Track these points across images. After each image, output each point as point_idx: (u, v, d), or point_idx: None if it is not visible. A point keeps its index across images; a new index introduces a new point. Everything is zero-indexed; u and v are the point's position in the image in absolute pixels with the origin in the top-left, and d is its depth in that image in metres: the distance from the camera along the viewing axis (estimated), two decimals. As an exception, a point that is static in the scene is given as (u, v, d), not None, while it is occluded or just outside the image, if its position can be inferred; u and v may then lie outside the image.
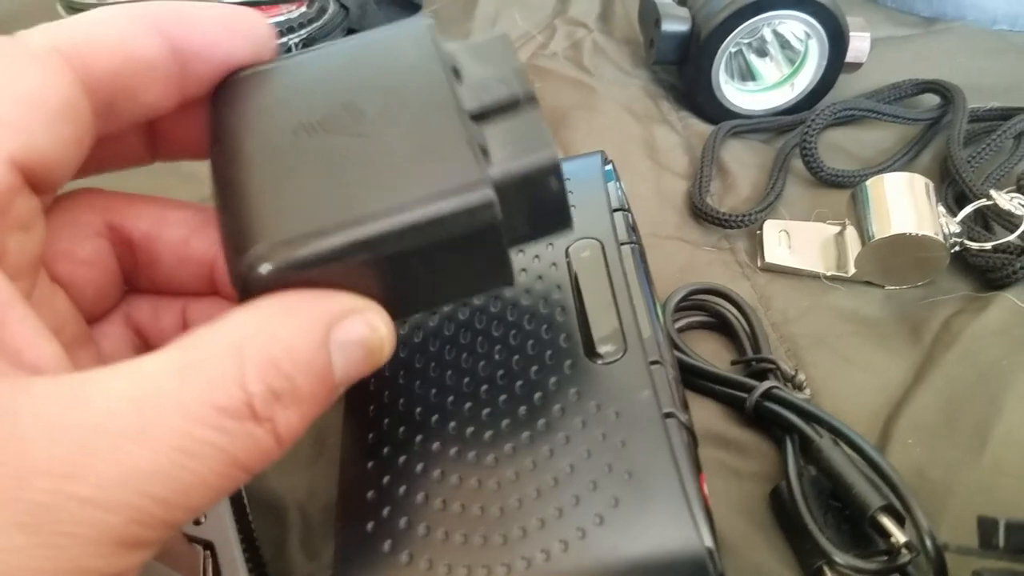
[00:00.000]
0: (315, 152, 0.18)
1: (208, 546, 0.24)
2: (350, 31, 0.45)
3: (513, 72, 0.19)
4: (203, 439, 0.14)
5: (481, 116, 0.18)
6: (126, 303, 0.22)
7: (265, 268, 0.16)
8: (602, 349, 0.24)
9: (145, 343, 0.22)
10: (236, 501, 0.25)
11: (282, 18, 0.39)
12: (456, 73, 0.19)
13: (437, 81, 0.18)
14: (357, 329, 0.17)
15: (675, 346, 0.30)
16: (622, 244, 0.26)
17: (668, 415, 0.22)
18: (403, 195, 0.17)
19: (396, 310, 0.18)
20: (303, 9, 0.40)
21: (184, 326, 0.22)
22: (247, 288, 0.16)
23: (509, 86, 0.19)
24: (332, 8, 0.42)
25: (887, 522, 0.23)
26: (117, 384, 0.14)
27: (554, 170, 0.18)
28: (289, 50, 0.39)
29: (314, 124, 0.18)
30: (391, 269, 0.17)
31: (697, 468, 0.21)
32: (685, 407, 0.23)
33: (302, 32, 0.40)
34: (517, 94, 0.19)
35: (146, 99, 0.18)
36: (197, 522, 0.24)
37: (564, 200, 0.19)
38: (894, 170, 0.38)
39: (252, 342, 0.15)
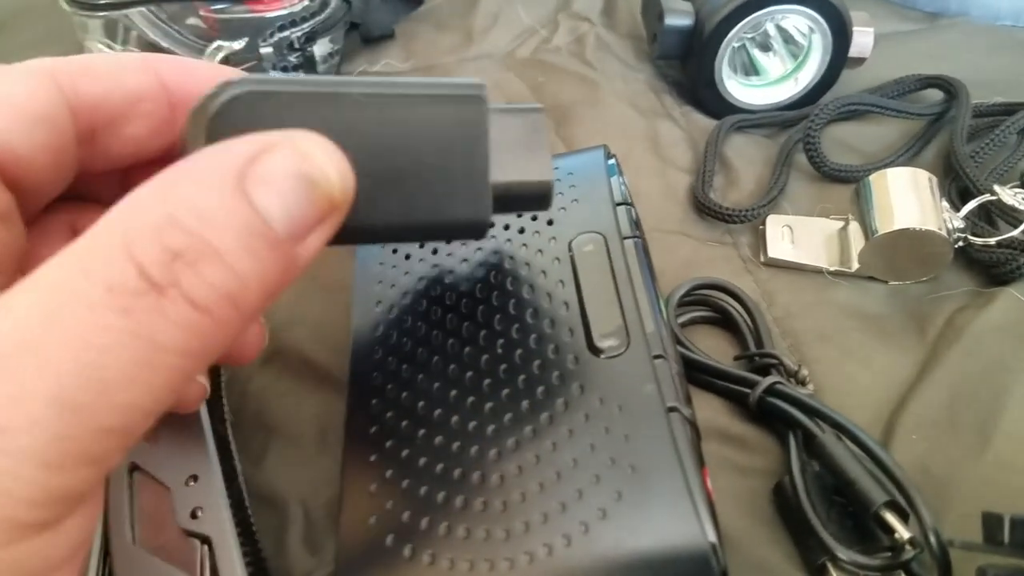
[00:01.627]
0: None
1: (205, 540, 0.24)
2: (353, 25, 0.45)
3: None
4: (106, 326, 0.13)
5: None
6: (70, 212, 0.21)
7: (216, 103, 0.16)
8: (605, 343, 0.23)
9: None
10: (235, 495, 0.25)
11: (284, 12, 0.39)
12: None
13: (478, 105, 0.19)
14: (281, 161, 0.15)
15: (678, 341, 0.30)
16: (625, 238, 0.26)
17: (671, 409, 0.22)
18: (417, 196, 0.19)
19: (358, 220, 0.17)
20: (305, 3, 0.40)
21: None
22: (197, 134, 0.17)
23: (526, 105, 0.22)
24: (335, 2, 0.41)
25: (891, 518, 0.23)
26: (23, 298, 0.13)
27: (544, 189, 0.22)
28: (291, 45, 0.39)
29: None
30: (364, 145, 0.17)
31: (700, 462, 0.21)
32: (688, 401, 0.23)
33: (304, 26, 0.39)
34: (530, 106, 0.22)
35: (131, 132, 0.19)
36: (194, 516, 0.24)
37: (548, 201, 0.22)
38: (897, 165, 0.38)
39: (139, 209, 0.14)
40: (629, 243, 0.26)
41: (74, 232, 0.21)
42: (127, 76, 0.19)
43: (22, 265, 0.18)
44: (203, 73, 0.20)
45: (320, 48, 0.42)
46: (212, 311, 0.14)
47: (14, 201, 0.18)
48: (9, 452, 0.12)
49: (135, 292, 0.13)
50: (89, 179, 0.20)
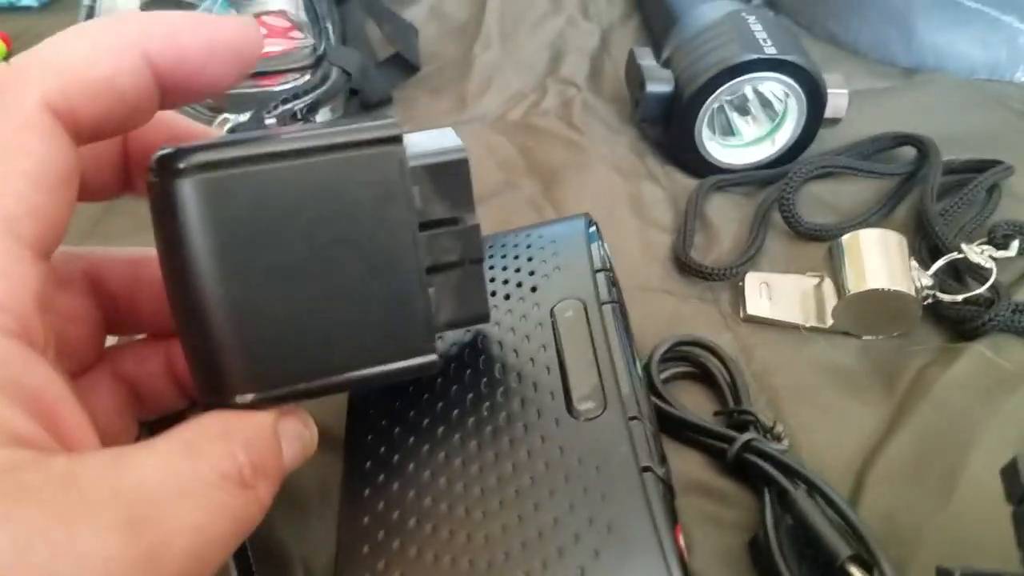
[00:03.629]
0: (288, 302, 0.20)
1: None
2: (352, 91, 0.48)
3: (468, 227, 0.22)
4: (219, 500, 0.17)
5: (434, 268, 0.22)
6: (111, 358, 0.24)
7: (238, 403, 0.20)
8: (583, 406, 0.25)
9: (134, 392, 0.24)
10: (240, 556, 0.26)
11: (288, 86, 0.41)
12: (419, 212, 0.21)
13: (405, 240, 0.21)
14: (294, 426, 0.21)
15: (660, 397, 0.32)
16: (603, 304, 0.28)
17: (645, 469, 0.23)
18: (366, 356, 0.21)
19: None
20: (307, 77, 0.42)
21: (169, 367, 0.24)
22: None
23: (464, 248, 0.22)
24: (335, 74, 0.44)
25: (855, 571, 0.24)
26: (147, 459, 0.16)
27: (486, 318, 0.24)
28: (294, 115, 0.41)
29: (286, 271, 0.20)
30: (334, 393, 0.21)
31: (673, 520, 0.22)
32: (663, 460, 0.24)
33: (306, 98, 0.42)
34: (467, 256, 0.23)
35: (125, 132, 0.20)
36: None
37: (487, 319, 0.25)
38: (871, 223, 0.40)
39: (233, 430, 0.18)
40: (607, 308, 0.28)
41: (115, 373, 0.23)
42: (124, 92, 0.18)
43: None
44: (193, 51, 0.19)
45: (322, 116, 0.44)
46: (264, 512, 0.18)
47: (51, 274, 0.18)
48: None
49: (235, 482, 0.17)
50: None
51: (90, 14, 0.44)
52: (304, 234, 0.20)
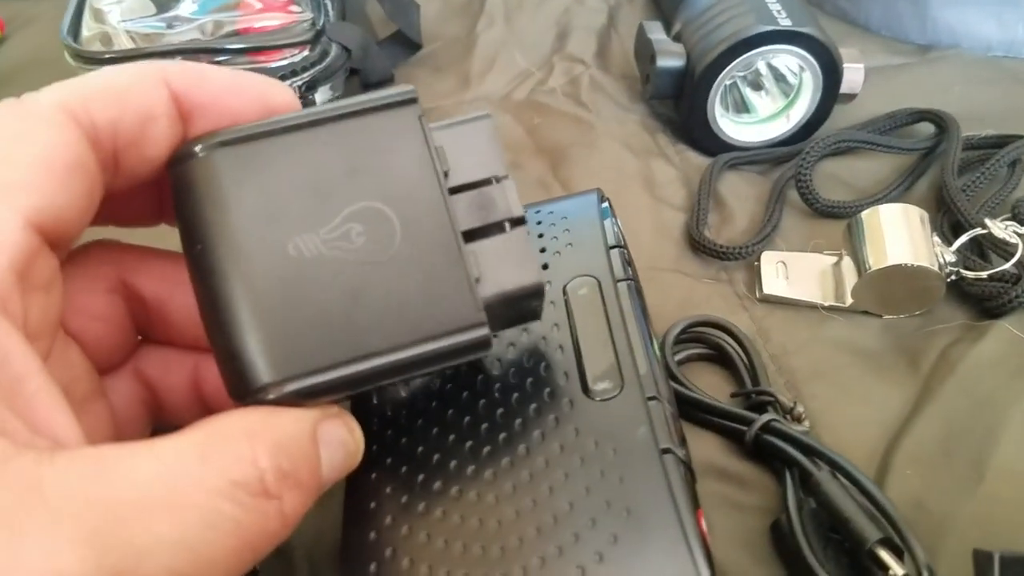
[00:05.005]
0: (316, 275, 0.19)
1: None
2: (352, 71, 0.46)
3: (502, 185, 0.21)
4: (222, 511, 0.15)
5: (473, 233, 0.20)
6: (137, 357, 0.23)
7: (270, 396, 0.18)
8: (599, 386, 0.24)
9: (154, 397, 0.23)
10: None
11: (285, 62, 0.40)
12: (446, 174, 0.20)
13: (434, 197, 0.20)
14: (337, 430, 0.19)
15: (675, 379, 0.31)
16: (618, 281, 0.27)
17: (665, 451, 0.22)
18: (406, 332, 0.19)
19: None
20: (305, 53, 0.41)
21: (195, 384, 0.23)
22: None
23: (501, 207, 0.20)
24: (334, 51, 0.42)
25: (885, 555, 0.23)
26: (137, 461, 0.15)
27: (537, 291, 0.21)
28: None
29: (311, 241, 0.19)
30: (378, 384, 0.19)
31: (695, 504, 0.22)
32: (683, 442, 0.24)
33: (305, 75, 0.40)
34: (508, 215, 0.20)
35: (151, 152, 0.19)
36: None
37: (539, 309, 0.22)
38: (890, 200, 0.39)
39: (260, 429, 0.17)
40: (622, 286, 0.27)
41: (138, 375, 0.22)
42: (136, 92, 0.18)
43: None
44: (215, 79, 0.19)
45: (321, 95, 0.43)
46: (288, 526, 0.17)
47: (58, 265, 0.18)
48: None
49: (251, 491, 0.15)
50: (114, 200, 0.19)
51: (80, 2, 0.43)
52: (326, 202, 0.19)
